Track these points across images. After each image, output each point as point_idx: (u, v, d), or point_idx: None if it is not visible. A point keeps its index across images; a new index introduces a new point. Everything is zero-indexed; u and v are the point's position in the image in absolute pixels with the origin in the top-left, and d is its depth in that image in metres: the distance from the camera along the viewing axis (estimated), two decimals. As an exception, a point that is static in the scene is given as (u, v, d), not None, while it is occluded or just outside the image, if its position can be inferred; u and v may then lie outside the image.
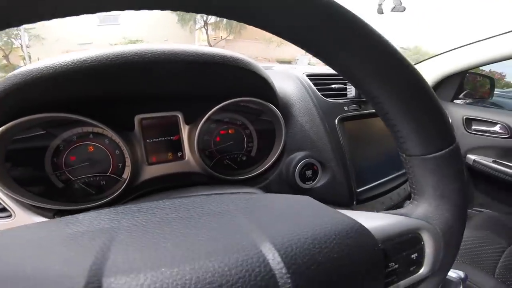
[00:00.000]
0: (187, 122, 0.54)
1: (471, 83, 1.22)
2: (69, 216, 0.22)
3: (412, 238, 0.23)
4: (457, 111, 1.09)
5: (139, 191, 0.49)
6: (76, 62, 0.36)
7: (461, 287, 0.33)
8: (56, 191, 0.45)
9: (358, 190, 0.65)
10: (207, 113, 0.50)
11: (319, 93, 0.66)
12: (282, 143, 0.56)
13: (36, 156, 0.44)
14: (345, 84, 0.71)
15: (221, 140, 0.58)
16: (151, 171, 0.51)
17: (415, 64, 0.87)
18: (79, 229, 0.19)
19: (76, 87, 0.41)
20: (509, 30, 0.89)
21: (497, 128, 1.01)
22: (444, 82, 1.12)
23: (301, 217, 0.22)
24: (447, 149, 0.23)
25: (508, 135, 0.98)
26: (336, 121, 0.64)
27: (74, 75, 0.37)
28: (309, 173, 0.56)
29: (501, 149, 1.01)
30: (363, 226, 0.20)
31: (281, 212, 0.24)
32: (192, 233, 0.19)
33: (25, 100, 0.38)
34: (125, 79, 0.43)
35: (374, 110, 0.70)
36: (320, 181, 0.59)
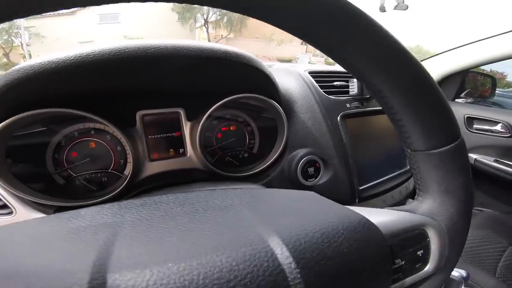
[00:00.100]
0: (189, 118, 0.54)
1: (472, 82, 1.21)
2: (71, 211, 0.22)
3: (418, 234, 0.23)
4: (459, 110, 1.08)
5: (141, 187, 0.48)
6: (79, 56, 0.36)
7: (462, 286, 0.33)
8: (57, 187, 0.45)
9: (360, 188, 0.65)
10: (209, 110, 0.50)
11: (321, 90, 0.66)
12: (284, 140, 0.56)
13: (37, 152, 0.44)
14: (347, 81, 0.70)
15: (223, 136, 0.57)
16: (152, 168, 0.51)
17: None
18: (82, 224, 0.19)
19: (78, 82, 0.40)
20: (511, 30, 0.89)
21: (498, 127, 1.01)
22: (445, 81, 1.12)
23: (307, 212, 0.21)
24: (452, 144, 0.23)
25: (509, 134, 0.98)
26: (338, 118, 0.64)
27: (77, 69, 0.36)
28: (311, 170, 0.56)
29: (503, 148, 1.01)
30: (370, 221, 0.20)
31: (287, 206, 0.23)
32: (197, 227, 0.18)
33: (27, 94, 0.38)
34: (127, 74, 0.42)
35: (376, 108, 0.71)
36: (322, 178, 0.59)
